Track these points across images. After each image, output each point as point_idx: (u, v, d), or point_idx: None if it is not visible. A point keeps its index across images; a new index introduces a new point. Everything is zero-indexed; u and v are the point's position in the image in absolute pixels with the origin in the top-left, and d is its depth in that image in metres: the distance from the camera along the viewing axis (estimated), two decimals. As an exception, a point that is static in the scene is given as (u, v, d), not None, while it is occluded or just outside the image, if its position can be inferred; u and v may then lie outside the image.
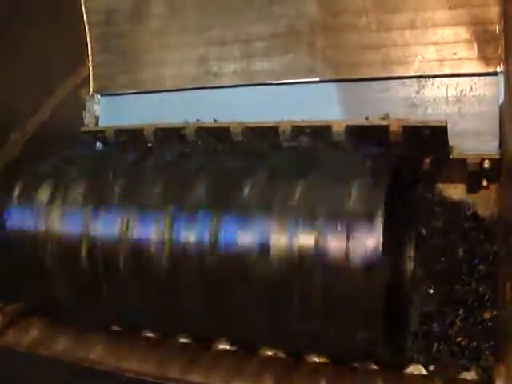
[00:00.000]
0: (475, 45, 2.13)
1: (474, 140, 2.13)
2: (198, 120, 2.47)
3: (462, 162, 2.07)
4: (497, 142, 2.09)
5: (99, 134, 2.63)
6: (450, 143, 2.02)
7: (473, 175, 2.11)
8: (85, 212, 2.02)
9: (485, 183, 2.12)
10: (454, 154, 2.08)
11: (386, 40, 2.24)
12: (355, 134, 2.08)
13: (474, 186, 2.17)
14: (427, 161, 2.05)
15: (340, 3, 2.29)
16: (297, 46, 2.37)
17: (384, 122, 2.07)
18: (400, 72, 2.24)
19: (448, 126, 1.91)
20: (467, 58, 2.15)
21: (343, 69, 2.32)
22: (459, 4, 2.14)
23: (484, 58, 2.13)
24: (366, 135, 2.08)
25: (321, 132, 2.11)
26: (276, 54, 2.41)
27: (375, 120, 2.15)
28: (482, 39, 2.12)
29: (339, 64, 2.32)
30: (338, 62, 2.32)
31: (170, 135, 2.41)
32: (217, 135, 2.32)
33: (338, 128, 2.07)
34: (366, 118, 2.19)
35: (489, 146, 2.10)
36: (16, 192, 2.18)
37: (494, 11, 2.09)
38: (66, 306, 2.15)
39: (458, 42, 2.16)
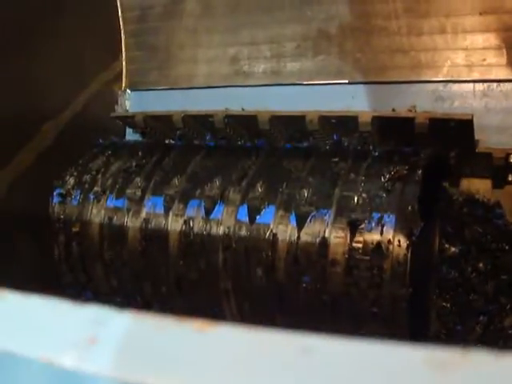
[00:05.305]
0: (504, 51, 2.14)
1: (500, 134, 2.14)
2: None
3: (488, 156, 2.08)
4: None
5: (129, 120, 2.67)
6: (476, 137, 2.03)
7: (498, 170, 2.11)
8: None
9: (510, 178, 2.12)
10: (480, 148, 2.09)
11: (416, 44, 2.26)
12: (382, 125, 2.08)
13: (499, 181, 2.17)
14: (452, 154, 2.04)
15: (371, 6, 2.30)
16: (327, 47, 2.40)
17: (410, 114, 2.08)
18: (429, 76, 2.26)
19: (474, 119, 1.92)
20: (496, 64, 2.16)
21: (372, 71, 2.34)
22: (490, 10, 2.14)
23: (513, 64, 2.13)
24: (393, 127, 2.09)
25: (347, 123, 2.12)
26: (306, 55, 2.44)
27: (402, 112, 2.16)
28: (512, 46, 2.13)
29: (368, 67, 2.34)
30: (367, 64, 2.34)
31: (198, 122, 2.45)
32: (244, 123, 2.36)
33: (365, 119, 2.07)
34: (393, 110, 2.20)
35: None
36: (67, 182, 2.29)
37: (524, 18, 2.10)
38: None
39: (487, 48, 2.16)
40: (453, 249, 2.13)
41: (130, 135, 2.84)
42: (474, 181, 2.24)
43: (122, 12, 2.81)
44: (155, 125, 2.58)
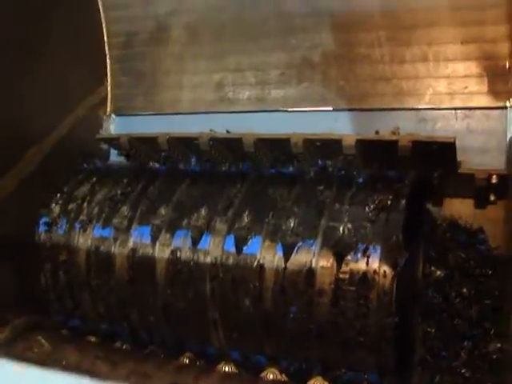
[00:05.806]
0: (486, 79, 2.18)
1: (482, 155, 2.18)
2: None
3: (470, 177, 2.12)
4: (504, 158, 2.14)
5: (114, 141, 2.65)
6: (459, 159, 2.06)
7: (481, 190, 2.15)
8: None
9: (492, 198, 2.15)
10: (463, 170, 2.12)
11: (399, 72, 2.30)
12: (366, 148, 2.10)
13: (481, 202, 2.21)
14: (436, 176, 2.06)
15: (354, 35, 2.34)
16: (311, 75, 2.43)
17: (394, 137, 2.09)
18: (411, 103, 2.30)
19: (457, 141, 1.93)
20: (477, 92, 2.20)
21: (355, 99, 2.37)
22: (471, 39, 2.19)
23: (494, 92, 2.17)
24: (376, 149, 2.11)
25: (332, 146, 2.13)
26: (290, 83, 2.47)
27: (385, 135, 2.17)
28: (493, 74, 2.18)
29: (352, 94, 2.37)
30: (350, 91, 2.38)
31: (183, 144, 2.44)
32: (229, 146, 2.36)
33: (349, 142, 2.08)
34: (377, 133, 2.22)
35: (497, 162, 2.15)
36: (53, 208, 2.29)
37: (504, 47, 2.15)
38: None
39: (468, 76, 2.21)
40: (437, 273, 2.15)
41: (115, 157, 2.82)
42: (456, 201, 2.27)
43: (107, 38, 2.82)
44: (140, 147, 2.57)
